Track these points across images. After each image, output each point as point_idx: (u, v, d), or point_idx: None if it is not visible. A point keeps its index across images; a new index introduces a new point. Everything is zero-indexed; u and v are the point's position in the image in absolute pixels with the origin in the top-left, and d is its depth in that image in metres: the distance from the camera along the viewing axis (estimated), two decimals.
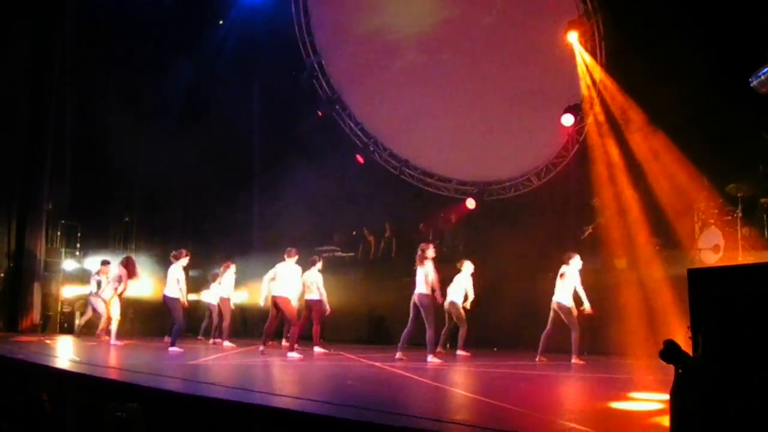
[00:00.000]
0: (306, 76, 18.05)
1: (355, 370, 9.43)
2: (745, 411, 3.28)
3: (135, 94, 17.05)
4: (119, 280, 12.96)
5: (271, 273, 11.50)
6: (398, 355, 10.58)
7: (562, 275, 10.68)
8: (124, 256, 13.96)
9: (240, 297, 14.76)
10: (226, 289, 13.90)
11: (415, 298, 10.67)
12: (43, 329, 15.89)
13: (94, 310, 14.18)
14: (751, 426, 3.24)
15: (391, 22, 16.39)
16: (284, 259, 11.63)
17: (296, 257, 11.67)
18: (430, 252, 10.86)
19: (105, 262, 14.69)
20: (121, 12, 16.38)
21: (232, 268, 14.00)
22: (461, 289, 12.12)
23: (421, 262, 10.74)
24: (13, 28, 16.32)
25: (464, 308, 12.03)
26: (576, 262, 10.70)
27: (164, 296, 12.23)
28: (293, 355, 11.00)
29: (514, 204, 15.46)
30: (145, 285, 14.74)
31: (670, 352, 3.57)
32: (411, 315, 10.77)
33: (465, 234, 16.17)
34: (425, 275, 10.61)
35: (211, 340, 14.01)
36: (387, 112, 17.50)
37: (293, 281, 11.61)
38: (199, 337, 14.79)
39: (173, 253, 12.58)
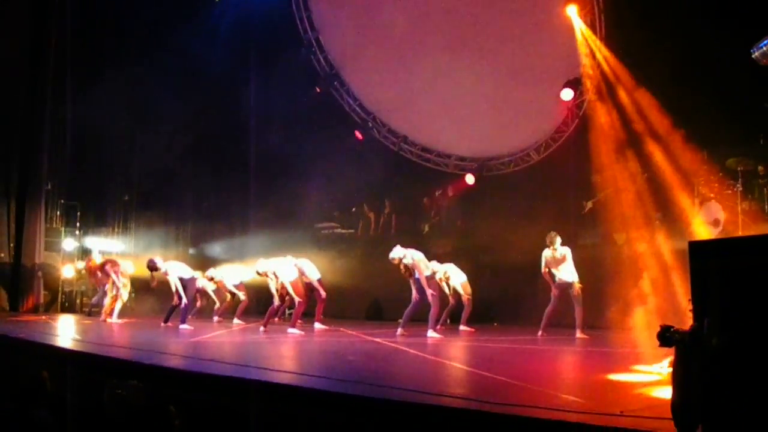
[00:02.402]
0: (304, 52, 17.92)
1: (355, 346, 9.46)
2: (746, 384, 3.27)
3: (133, 72, 16.94)
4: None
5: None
6: (399, 331, 10.65)
7: (564, 257, 10.66)
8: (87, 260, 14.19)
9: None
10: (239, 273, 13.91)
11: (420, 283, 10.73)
12: (45, 309, 15.93)
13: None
14: (752, 399, 3.23)
15: None
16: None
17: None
18: (408, 259, 10.83)
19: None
20: None
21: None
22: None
23: (409, 271, 10.77)
24: (9, 6, 16.18)
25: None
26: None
27: (180, 279, 12.45)
28: (294, 330, 11.06)
29: (513, 179, 15.41)
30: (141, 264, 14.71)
31: (665, 336, 3.58)
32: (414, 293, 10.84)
33: (464, 209, 16.14)
34: (425, 277, 10.67)
35: (214, 318, 14.01)
36: (385, 88, 17.39)
37: (286, 266, 11.68)
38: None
39: (149, 265, 12.72)
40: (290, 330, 11.09)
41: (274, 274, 11.60)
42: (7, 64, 15.94)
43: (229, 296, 13.93)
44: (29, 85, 16.36)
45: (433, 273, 11.11)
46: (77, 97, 16.57)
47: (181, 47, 16.37)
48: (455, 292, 12.11)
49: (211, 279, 13.73)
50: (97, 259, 14.45)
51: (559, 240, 10.70)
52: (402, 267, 10.85)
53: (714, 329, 3.43)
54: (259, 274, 11.93)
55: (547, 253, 10.72)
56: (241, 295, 13.64)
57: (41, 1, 16.46)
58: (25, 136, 16.36)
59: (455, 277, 12.06)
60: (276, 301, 11.89)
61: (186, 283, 12.48)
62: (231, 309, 14.04)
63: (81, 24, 16.46)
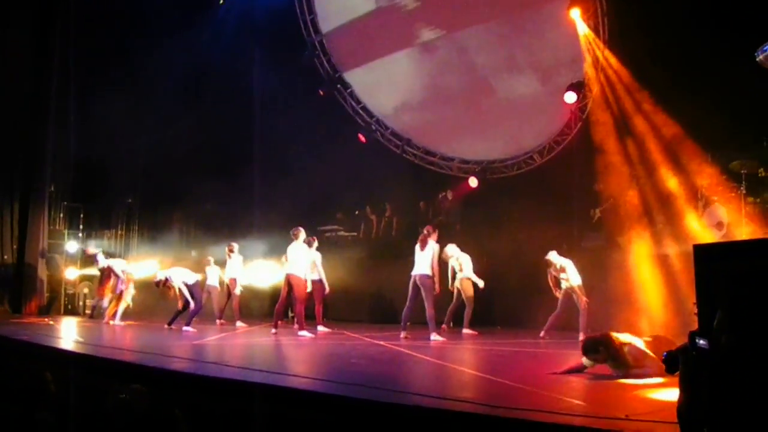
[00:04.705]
0: (307, 55, 17.92)
1: (358, 349, 9.45)
2: (752, 388, 3.25)
3: (136, 74, 16.95)
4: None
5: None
6: (402, 334, 10.64)
7: (563, 268, 10.67)
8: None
9: (247, 278, 14.64)
10: (233, 270, 13.89)
11: (416, 278, 10.74)
12: (48, 311, 15.93)
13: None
14: (759, 402, 3.22)
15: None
16: (293, 240, 11.68)
17: (303, 236, 11.71)
18: (435, 235, 10.91)
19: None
20: None
21: (235, 249, 14.00)
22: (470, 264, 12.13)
23: (425, 243, 10.79)
24: (14, 10, 16.23)
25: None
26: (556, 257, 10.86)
27: (186, 284, 12.49)
28: (304, 333, 11.03)
29: (516, 182, 15.40)
30: (148, 267, 14.66)
31: (672, 363, 3.59)
32: (410, 294, 10.88)
33: (467, 212, 16.12)
34: (430, 257, 10.66)
35: (217, 321, 13.97)
36: (389, 91, 17.41)
37: (303, 260, 11.64)
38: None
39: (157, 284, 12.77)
40: (300, 333, 11.06)
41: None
42: (11, 66, 15.99)
43: (226, 297, 13.97)
44: (33, 86, 16.39)
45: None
46: (80, 99, 16.61)
47: (185, 49, 16.40)
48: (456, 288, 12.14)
49: (230, 251, 13.86)
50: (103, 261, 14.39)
51: (553, 257, 10.76)
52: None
53: (722, 328, 3.42)
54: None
55: (550, 269, 10.83)
56: (238, 290, 13.75)
57: (46, 4, 16.51)
58: (29, 138, 16.39)
59: (465, 267, 12.09)
60: (283, 293, 11.84)
61: (191, 288, 12.48)
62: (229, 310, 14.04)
63: (84, 25, 16.49)
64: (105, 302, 14.12)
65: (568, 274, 10.61)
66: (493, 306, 13.08)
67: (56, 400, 5.27)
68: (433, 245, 10.80)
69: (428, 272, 10.68)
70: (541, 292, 11.44)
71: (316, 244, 12.46)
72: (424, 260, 10.73)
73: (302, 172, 16.19)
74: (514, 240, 13.15)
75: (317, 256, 12.42)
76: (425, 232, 11.05)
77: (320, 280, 12.34)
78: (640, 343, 6.31)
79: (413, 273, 10.84)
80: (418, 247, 10.93)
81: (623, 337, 6.32)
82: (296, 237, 11.64)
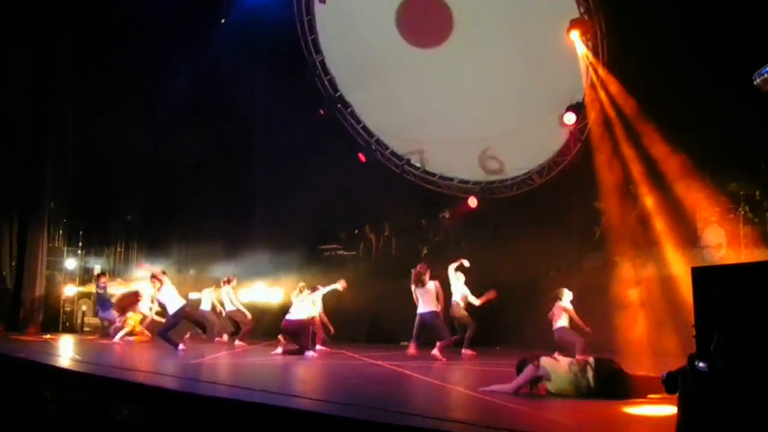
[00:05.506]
0: (308, 74, 17.98)
1: (357, 369, 9.43)
2: (750, 406, 3.26)
3: (137, 92, 17.01)
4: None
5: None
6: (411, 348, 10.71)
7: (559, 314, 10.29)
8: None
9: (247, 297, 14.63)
10: (231, 302, 13.88)
11: (423, 316, 10.84)
12: (46, 328, 15.87)
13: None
14: (755, 421, 3.22)
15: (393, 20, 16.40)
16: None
17: (307, 291, 11.82)
18: (428, 273, 11.03)
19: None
20: (124, 11, 16.35)
21: (234, 283, 13.99)
22: (459, 291, 12.07)
23: (421, 284, 10.81)
24: (16, 26, 16.32)
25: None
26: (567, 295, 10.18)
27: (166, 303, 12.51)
28: (309, 353, 11.04)
29: (516, 202, 15.42)
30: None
31: (671, 383, 3.62)
32: (415, 332, 10.98)
33: (467, 232, 16.13)
34: (434, 293, 10.82)
35: (216, 339, 13.93)
36: (390, 111, 17.44)
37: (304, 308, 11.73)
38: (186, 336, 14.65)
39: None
40: (307, 353, 11.06)
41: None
42: (11, 83, 16.05)
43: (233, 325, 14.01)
44: (33, 103, 16.44)
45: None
46: (81, 117, 16.65)
47: (186, 66, 16.47)
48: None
49: (228, 281, 13.83)
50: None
51: (563, 296, 10.01)
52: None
53: (719, 351, 3.44)
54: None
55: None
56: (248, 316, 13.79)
57: (48, 21, 16.61)
58: (29, 155, 16.41)
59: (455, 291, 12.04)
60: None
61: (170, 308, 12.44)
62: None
63: (86, 45, 16.58)
64: (117, 322, 14.11)
65: (565, 320, 10.26)
66: (492, 326, 13.03)
67: (55, 419, 5.27)
68: (431, 284, 10.91)
69: (434, 308, 10.82)
70: (540, 311, 11.39)
71: (320, 290, 12.46)
72: (428, 298, 10.81)
73: (302, 191, 16.21)
74: (514, 260, 13.13)
75: (319, 306, 12.54)
76: (419, 270, 11.05)
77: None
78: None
79: (419, 312, 10.93)
80: (413, 286, 10.98)
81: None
82: (300, 291, 11.78)
